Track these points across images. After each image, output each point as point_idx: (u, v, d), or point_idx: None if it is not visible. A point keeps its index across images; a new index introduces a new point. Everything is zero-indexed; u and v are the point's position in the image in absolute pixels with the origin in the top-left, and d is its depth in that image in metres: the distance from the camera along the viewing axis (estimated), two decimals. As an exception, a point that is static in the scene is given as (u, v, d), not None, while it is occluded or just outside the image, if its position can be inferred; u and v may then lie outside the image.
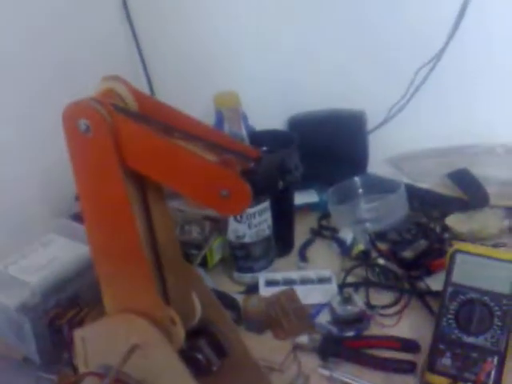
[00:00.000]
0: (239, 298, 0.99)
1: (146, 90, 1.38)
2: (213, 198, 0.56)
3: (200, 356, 0.72)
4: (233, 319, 0.94)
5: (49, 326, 0.87)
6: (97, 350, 0.68)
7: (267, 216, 1.05)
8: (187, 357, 0.71)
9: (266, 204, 1.03)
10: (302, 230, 1.23)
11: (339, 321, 0.93)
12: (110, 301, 0.66)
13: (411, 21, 1.27)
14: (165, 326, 0.65)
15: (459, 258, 0.85)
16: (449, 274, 0.85)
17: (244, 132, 1.02)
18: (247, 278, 1.07)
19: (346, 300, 0.95)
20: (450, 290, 0.83)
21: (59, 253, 0.94)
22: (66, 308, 0.89)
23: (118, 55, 1.34)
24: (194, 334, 0.73)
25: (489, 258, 0.83)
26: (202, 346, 0.72)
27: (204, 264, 1.08)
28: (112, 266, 0.63)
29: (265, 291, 1.02)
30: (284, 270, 1.08)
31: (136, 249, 0.61)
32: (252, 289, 1.04)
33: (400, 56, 1.30)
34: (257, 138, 1.12)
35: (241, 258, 1.06)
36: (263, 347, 0.89)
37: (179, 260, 0.70)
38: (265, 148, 0.96)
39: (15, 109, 1.05)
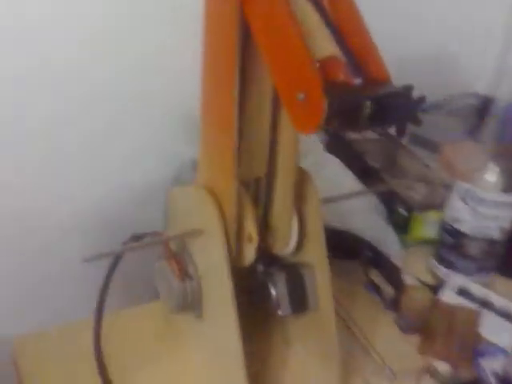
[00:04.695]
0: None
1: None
2: (289, 96, 0.44)
3: (273, 291, 0.59)
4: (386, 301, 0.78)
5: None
6: (177, 214, 0.62)
7: (508, 215, 0.79)
8: (258, 283, 0.60)
9: None
10: None
11: (504, 376, 0.67)
12: (202, 172, 0.58)
13: None
14: (237, 236, 0.56)
15: None
16: None
17: None
18: (442, 272, 0.84)
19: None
20: None
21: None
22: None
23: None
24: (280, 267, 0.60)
25: None
26: (279, 282, 0.59)
27: (405, 234, 0.90)
28: (209, 131, 0.55)
29: (448, 297, 0.79)
30: (495, 290, 0.82)
31: (228, 116, 0.51)
32: (438, 286, 0.82)
33: None
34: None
35: (448, 246, 0.83)
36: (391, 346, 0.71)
37: (294, 169, 0.56)
38: None
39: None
